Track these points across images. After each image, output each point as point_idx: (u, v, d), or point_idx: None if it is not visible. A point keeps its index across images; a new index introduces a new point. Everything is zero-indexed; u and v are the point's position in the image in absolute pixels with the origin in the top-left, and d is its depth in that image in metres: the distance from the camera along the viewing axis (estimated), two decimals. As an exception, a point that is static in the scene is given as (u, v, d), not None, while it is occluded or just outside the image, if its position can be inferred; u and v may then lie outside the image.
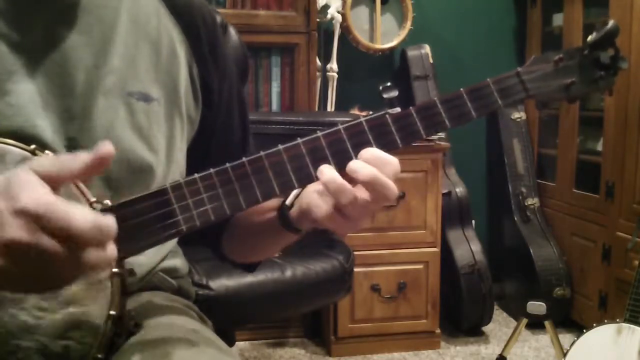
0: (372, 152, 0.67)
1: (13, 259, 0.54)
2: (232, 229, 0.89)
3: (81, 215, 0.54)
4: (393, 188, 0.66)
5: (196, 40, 0.84)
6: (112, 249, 0.56)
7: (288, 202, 0.75)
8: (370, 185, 0.65)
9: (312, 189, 0.70)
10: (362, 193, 0.66)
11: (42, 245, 0.53)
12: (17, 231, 0.53)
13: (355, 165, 0.66)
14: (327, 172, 0.66)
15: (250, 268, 0.93)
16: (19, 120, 0.69)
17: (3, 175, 0.57)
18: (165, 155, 0.80)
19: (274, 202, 0.78)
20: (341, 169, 0.70)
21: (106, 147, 0.58)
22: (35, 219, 0.53)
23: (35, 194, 0.54)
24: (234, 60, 0.94)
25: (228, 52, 0.91)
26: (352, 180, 0.66)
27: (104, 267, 0.56)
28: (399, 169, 0.67)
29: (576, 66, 0.74)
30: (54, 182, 0.56)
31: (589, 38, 0.74)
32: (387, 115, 0.70)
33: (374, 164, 0.66)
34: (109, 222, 0.55)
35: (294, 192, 0.75)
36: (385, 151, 0.70)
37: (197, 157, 0.84)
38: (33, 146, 0.66)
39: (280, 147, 0.69)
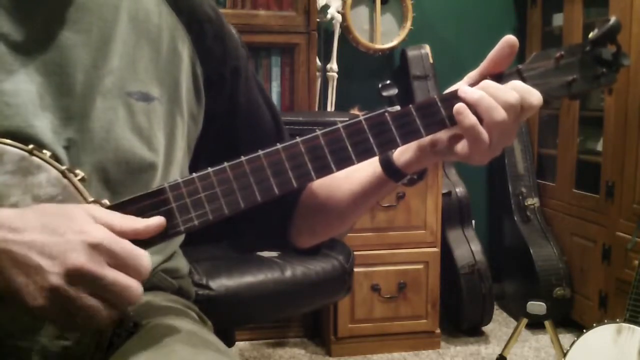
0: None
1: (74, 283, 0.58)
2: (306, 209, 0.88)
3: (144, 256, 0.61)
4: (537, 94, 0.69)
5: (200, 35, 0.84)
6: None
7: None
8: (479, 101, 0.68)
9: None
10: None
11: (107, 276, 0.59)
12: (87, 260, 0.58)
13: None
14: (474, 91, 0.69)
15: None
16: (17, 120, 0.69)
17: (50, 204, 0.63)
18: (165, 155, 0.79)
19: (366, 162, 0.79)
20: (340, 167, 0.70)
21: (159, 222, 0.65)
22: (107, 254, 0.59)
23: (105, 232, 0.60)
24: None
25: (237, 38, 0.91)
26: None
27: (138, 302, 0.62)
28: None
29: (577, 63, 0.73)
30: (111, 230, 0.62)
31: (591, 34, 0.73)
32: (386, 114, 0.70)
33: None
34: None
35: None
36: (384, 151, 0.70)
37: (226, 150, 0.79)
38: (31, 146, 0.66)
39: (279, 146, 0.69)
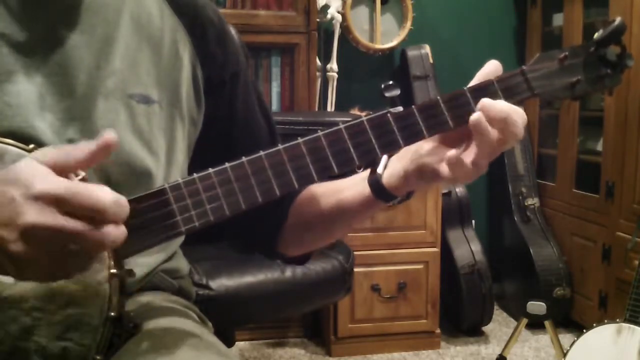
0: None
1: (35, 244, 0.55)
2: (296, 219, 0.87)
3: (102, 191, 0.56)
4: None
5: (202, 39, 0.83)
6: (123, 227, 0.59)
7: (379, 171, 0.76)
8: (504, 121, 0.67)
9: (419, 152, 0.72)
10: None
11: (65, 226, 0.55)
12: (36, 216, 0.54)
13: (489, 101, 0.68)
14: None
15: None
16: (18, 120, 0.68)
17: (3, 169, 0.58)
18: (166, 158, 0.79)
19: (354, 179, 0.79)
20: (342, 169, 0.69)
21: (109, 136, 0.59)
22: (56, 202, 0.54)
23: (50, 179, 0.55)
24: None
25: (238, 44, 0.91)
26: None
27: (120, 242, 0.58)
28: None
29: (581, 64, 0.72)
30: (60, 171, 0.57)
31: (596, 35, 0.72)
32: (388, 114, 0.70)
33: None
34: (124, 198, 0.58)
35: (383, 161, 0.76)
36: (387, 152, 0.70)
37: (222, 155, 0.78)
38: (32, 146, 0.66)
39: (280, 147, 0.68)
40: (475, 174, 0.69)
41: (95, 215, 0.56)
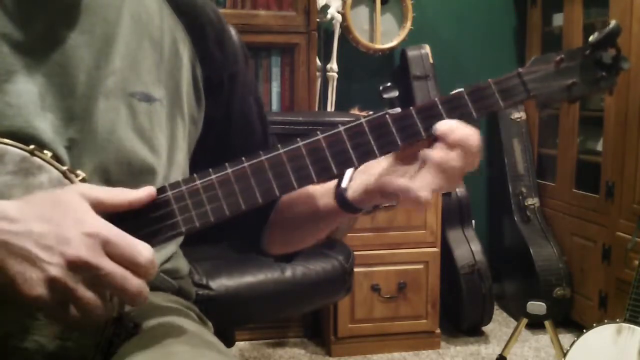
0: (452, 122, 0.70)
1: (72, 274, 0.58)
2: (277, 220, 0.89)
3: (145, 247, 0.60)
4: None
5: (200, 39, 0.84)
6: (147, 288, 0.61)
7: (344, 185, 0.76)
8: (463, 142, 0.68)
9: (380, 169, 0.73)
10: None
11: (106, 267, 0.58)
12: (86, 251, 0.58)
13: (449, 124, 0.69)
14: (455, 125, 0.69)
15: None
16: (19, 120, 0.69)
17: (43, 192, 0.63)
18: (167, 157, 0.79)
19: (324, 187, 0.80)
20: (341, 169, 0.70)
21: (151, 191, 0.65)
22: (103, 243, 0.59)
23: (103, 221, 0.60)
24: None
25: (237, 44, 0.91)
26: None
27: (143, 299, 0.61)
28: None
29: (577, 67, 0.73)
30: (101, 211, 0.62)
31: (591, 38, 0.73)
32: (387, 116, 0.70)
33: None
34: (156, 261, 0.62)
35: (348, 174, 0.76)
36: (385, 152, 0.70)
37: (217, 156, 0.79)
38: (32, 146, 0.66)
39: (280, 148, 0.69)
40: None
41: (129, 266, 0.59)
